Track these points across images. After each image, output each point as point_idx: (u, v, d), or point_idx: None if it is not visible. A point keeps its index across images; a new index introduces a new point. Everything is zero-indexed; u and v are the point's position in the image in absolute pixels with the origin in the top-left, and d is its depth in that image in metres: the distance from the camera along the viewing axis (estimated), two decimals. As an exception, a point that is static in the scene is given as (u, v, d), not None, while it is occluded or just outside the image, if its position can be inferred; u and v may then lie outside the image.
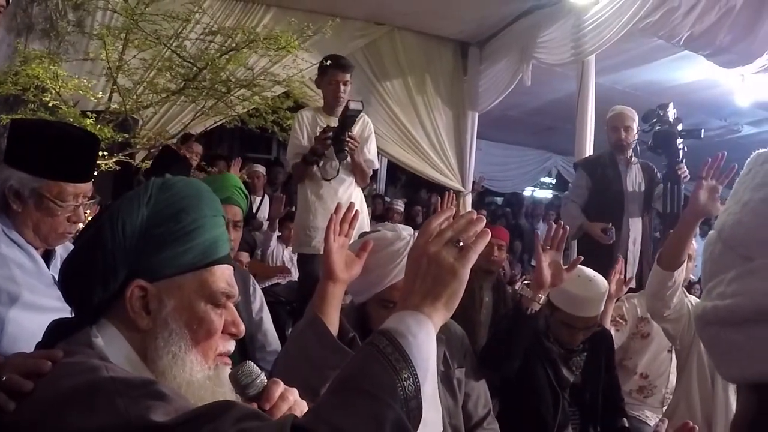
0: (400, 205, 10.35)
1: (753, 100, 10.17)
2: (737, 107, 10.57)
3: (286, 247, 7.75)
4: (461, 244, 1.39)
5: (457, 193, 9.07)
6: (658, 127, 5.64)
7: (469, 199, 9.38)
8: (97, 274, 1.46)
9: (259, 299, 4.05)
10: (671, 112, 5.63)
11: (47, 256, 2.47)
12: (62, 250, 2.55)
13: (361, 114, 5.30)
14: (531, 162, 16.40)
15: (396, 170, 12.65)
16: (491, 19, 8.41)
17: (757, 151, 0.73)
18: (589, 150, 7.30)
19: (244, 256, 6.93)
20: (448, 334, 3.02)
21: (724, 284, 0.69)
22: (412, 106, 8.67)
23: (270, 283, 7.18)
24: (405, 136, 8.63)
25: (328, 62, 5.46)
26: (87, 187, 2.53)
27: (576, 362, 3.68)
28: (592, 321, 3.62)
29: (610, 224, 5.74)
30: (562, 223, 3.35)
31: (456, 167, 9.07)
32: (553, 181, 17.91)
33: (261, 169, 8.66)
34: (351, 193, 5.47)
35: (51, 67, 5.21)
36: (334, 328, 2.32)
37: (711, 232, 0.76)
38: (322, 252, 5.02)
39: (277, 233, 7.82)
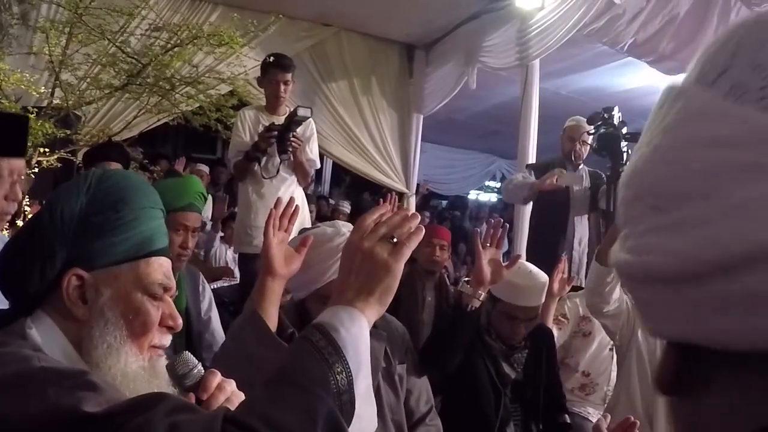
0: (346, 207, 10.34)
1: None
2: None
3: (229, 248, 7.70)
4: (395, 240, 1.41)
5: (401, 195, 9.11)
6: (602, 130, 5.73)
7: (413, 201, 9.39)
8: (35, 262, 1.46)
9: (208, 298, 4.06)
10: (616, 116, 5.74)
11: None
12: None
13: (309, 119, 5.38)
14: (475, 165, 16.54)
15: (340, 171, 12.66)
16: (438, 23, 8.42)
17: (669, 83, 0.71)
18: (531, 153, 7.37)
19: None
20: (388, 330, 3.02)
21: (635, 237, 0.68)
22: (357, 108, 8.67)
23: (214, 286, 7.13)
24: (349, 137, 8.63)
25: (271, 59, 5.50)
26: (21, 164, 2.49)
27: (517, 359, 3.70)
28: (533, 312, 3.66)
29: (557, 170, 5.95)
30: (501, 220, 3.41)
31: (400, 169, 9.09)
32: (498, 185, 18.05)
33: (204, 168, 8.59)
34: (292, 192, 5.43)
35: (-8, 60, 5.13)
36: (273, 323, 2.31)
37: (625, 168, 0.74)
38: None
39: (220, 234, 7.77)
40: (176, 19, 7.17)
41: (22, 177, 2.51)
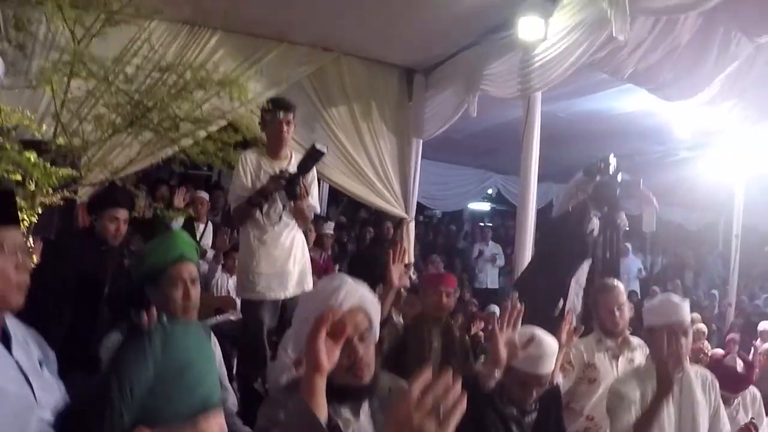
0: (329, 229, 10.42)
1: (692, 130, 10.45)
2: (675, 134, 10.88)
3: (231, 277, 7.72)
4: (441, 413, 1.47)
5: (401, 219, 9.15)
6: (598, 178, 5.89)
7: (412, 226, 9.43)
8: (103, 424, 1.57)
9: (218, 355, 4.06)
10: (612, 165, 5.92)
11: (6, 341, 2.39)
12: (18, 332, 2.48)
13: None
14: (471, 181, 16.66)
15: (337, 190, 12.71)
16: (438, 48, 8.45)
17: None
18: (534, 175, 7.44)
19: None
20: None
21: None
22: (356, 133, 8.69)
23: (215, 320, 7.09)
24: (349, 162, 8.65)
25: (270, 105, 5.60)
26: (16, 234, 2.48)
27: (527, 423, 3.74)
28: (545, 378, 3.71)
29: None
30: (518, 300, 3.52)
31: (399, 194, 9.11)
32: (494, 194, 18.14)
33: (204, 195, 8.62)
34: (294, 237, 5.68)
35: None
36: (323, 417, 2.30)
37: None
38: (267, 298, 5.17)
39: (221, 263, 7.82)
40: (176, 45, 7.28)
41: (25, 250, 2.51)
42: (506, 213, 18.75)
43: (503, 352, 3.30)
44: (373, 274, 4.19)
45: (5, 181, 2.84)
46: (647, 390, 4.01)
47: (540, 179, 7.32)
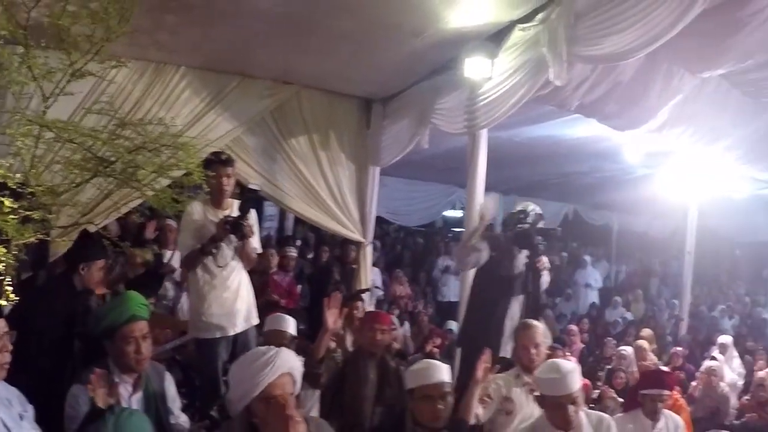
0: (293, 252, 10.65)
1: (644, 153, 10.73)
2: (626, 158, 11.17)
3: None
4: None
5: (359, 243, 9.43)
6: (519, 227, 6.55)
7: (369, 249, 9.71)
8: None
9: (173, 390, 4.70)
10: (532, 214, 6.54)
11: None
12: (2, 391, 2.86)
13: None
14: (436, 196, 16.84)
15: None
16: (394, 81, 8.69)
17: None
18: (479, 201, 7.63)
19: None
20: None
21: None
22: (316, 162, 8.92)
23: (184, 340, 7.34)
24: (309, 191, 8.89)
25: (212, 158, 6.06)
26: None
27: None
28: (442, 388, 4.40)
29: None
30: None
31: (357, 219, 9.39)
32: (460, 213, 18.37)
33: (172, 223, 8.84)
34: (240, 280, 6.24)
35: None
36: None
37: None
38: (217, 336, 5.65)
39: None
40: (143, 82, 7.48)
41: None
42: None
43: None
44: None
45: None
46: None
47: (505, 193, 7.56)
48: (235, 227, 5.89)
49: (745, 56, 6.79)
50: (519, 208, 6.71)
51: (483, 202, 6.91)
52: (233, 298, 6.16)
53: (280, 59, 7.91)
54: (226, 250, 6.09)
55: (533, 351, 5.43)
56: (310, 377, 5.26)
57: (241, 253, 6.19)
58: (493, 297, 6.60)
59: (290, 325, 6.24)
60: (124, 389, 4.25)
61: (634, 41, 5.52)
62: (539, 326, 5.62)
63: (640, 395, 6.16)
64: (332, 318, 5.17)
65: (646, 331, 11.32)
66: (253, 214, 6.24)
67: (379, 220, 15.85)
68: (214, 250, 5.98)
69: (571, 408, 4.39)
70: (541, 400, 4.63)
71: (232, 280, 6.16)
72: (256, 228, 6.34)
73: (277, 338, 5.88)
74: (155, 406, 4.42)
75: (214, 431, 3.89)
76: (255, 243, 6.33)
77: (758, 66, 7.58)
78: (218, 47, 7.45)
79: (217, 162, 6.08)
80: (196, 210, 6.07)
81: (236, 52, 7.65)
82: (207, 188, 6.08)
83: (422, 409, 4.29)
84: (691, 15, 5.12)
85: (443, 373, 4.39)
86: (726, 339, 11.50)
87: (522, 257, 6.66)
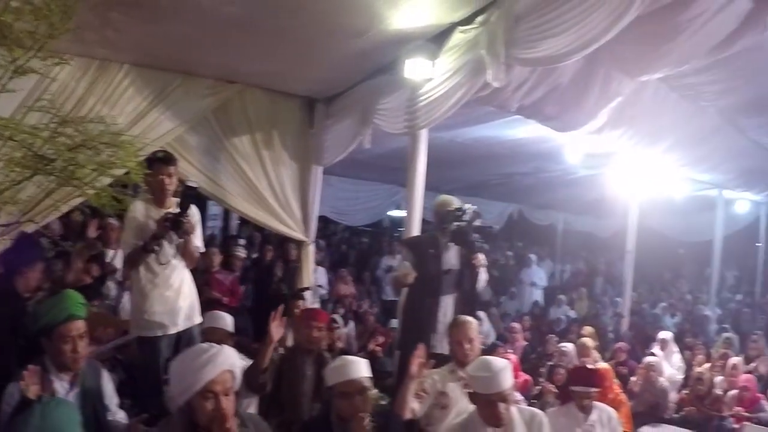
0: (241, 252, 10.66)
1: (582, 155, 10.88)
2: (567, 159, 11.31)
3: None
4: None
5: (301, 242, 9.48)
6: (455, 225, 6.60)
7: (311, 249, 9.73)
8: None
9: (110, 387, 4.83)
10: (469, 212, 6.62)
11: None
12: None
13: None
14: (380, 196, 16.91)
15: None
16: (337, 81, 8.70)
17: None
18: (419, 203, 7.86)
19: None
20: (251, 427, 3.72)
21: None
22: (258, 161, 8.88)
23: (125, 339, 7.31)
24: (251, 190, 8.85)
25: (154, 156, 6.12)
26: None
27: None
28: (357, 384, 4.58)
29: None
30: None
31: (300, 218, 9.38)
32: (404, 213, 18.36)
33: (114, 222, 8.79)
34: (182, 278, 6.25)
35: None
36: None
37: None
38: (159, 334, 5.69)
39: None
40: (86, 79, 7.36)
41: None
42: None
43: None
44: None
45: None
46: None
47: (449, 194, 7.56)
48: (175, 224, 5.90)
49: (682, 60, 6.90)
50: (455, 205, 6.72)
51: (402, 266, 6.93)
52: (175, 296, 6.18)
53: (223, 58, 7.88)
54: (168, 248, 6.10)
55: (467, 346, 5.58)
56: (254, 387, 5.36)
57: (184, 251, 6.21)
58: (422, 295, 6.68)
59: (228, 323, 6.29)
60: (61, 386, 4.33)
61: (571, 44, 5.61)
62: (472, 322, 5.75)
63: (571, 391, 6.34)
64: (276, 331, 5.37)
65: (588, 329, 11.48)
66: (196, 213, 6.28)
67: (327, 220, 15.95)
68: (156, 248, 5.98)
69: (502, 405, 4.50)
70: (473, 397, 4.72)
71: (175, 279, 6.18)
72: (198, 227, 6.37)
73: (215, 335, 5.94)
74: (92, 403, 4.49)
75: (152, 427, 3.95)
76: (197, 242, 6.34)
77: (696, 70, 7.77)
78: (162, 45, 7.38)
79: (159, 161, 6.11)
80: (139, 209, 6.09)
81: (180, 51, 7.58)
82: (145, 187, 6.12)
83: (342, 405, 4.44)
84: (626, 20, 5.23)
85: (360, 369, 4.54)
86: (666, 335, 11.69)
87: (452, 254, 6.76)
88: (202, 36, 7.15)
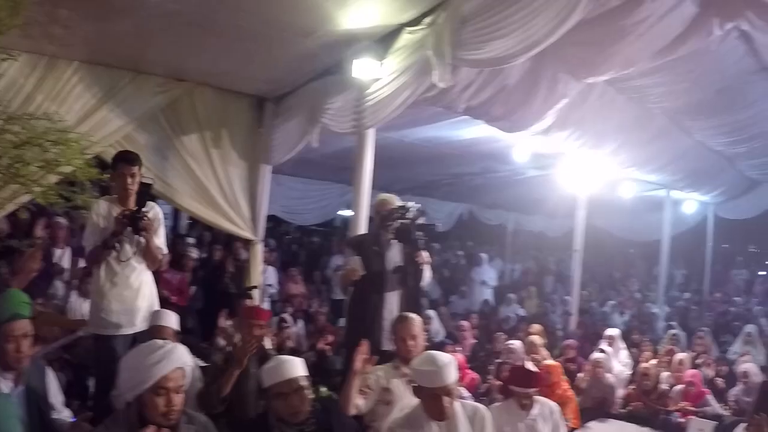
0: (193, 252, 10.65)
1: (530, 155, 10.99)
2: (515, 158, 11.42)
3: (85, 301, 7.87)
4: None
5: (249, 241, 9.51)
6: (398, 223, 6.68)
7: (260, 247, 9.70)
8: None
9: (54, 386, 4.84)
10: (413, 210, 6.70)
11: None
12: None
13: (152, 204, 6.12)
14: (330, 195, 16.87)
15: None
16: (286, 80, 8.72)
17: None
18: (366, 201, 7.93)
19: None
20: (198, 426, 3.83)
21: None
22: (207, 160, 8.85)
23: (73, 338, 7.28)
24: (200, 189, 8.82)
25: (118, 156, 6.16)
26: None
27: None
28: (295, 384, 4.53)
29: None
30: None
31: (248, 217, 9.37)
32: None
33: (62, 221, 8.73)
34: (142, 280, 6.25)
35: None
36: None
37: None
38: (117, 333, 5.71)
39: (76, 290, 8.00)
40: (35, 75, 7.26)
41: None
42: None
43: None
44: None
45: None
46: None
47: (399, 193, 7.63)
48: (132, 220, 5.88)
49: (628, 63, 7.03)
50: (399, 203, 6.78)
51: (350, 262, 6.98)
52: (134, 296, 6.18)
53: (173, 56, 7.87)
54: (128, 247, 6.09)
55: (411, 343, 5.63)
56: (208, 410, 5.30)
57: (145, 252, 6.18)
58: (368, 292, 6.73)
59: (172, 321, 6.28)
60: (5, 385, 4.33)
61: (516, 46, 5.72)
62: (416, 318, 5.80)
63: (510, 388, 6.45)
64: (244, 356, 5.58)
65: (536, 327, 11.56)
66: (158, 213, 6.31)
67: (279, 220, 15.93)
68: (116, 245, 5.99)
69: (446, 399, 4.57)
70: (417, 391, 4.78)
71: (134, 279, 6.17)
72: (161, 228, 6.37)
73: (160, 334, 5.91)
74: (36, 401, 4.51)
75: (97, 425, 3.93)
76: (159, 242, 6.30)
77: (641, 73, 7.92)
78: (112, 42, 7.35)
79: (123, 160, 6.13)
80: (102, 208, 6.09)
81: (130, 48, 7.55)
82: (91, 187, 6.12)
83: (278, 406, 4.42)
84: (570, 22, 5.34)
85: (296, 368, 4.52)
86: (613, 332, 11.86)
87: (396, 252, 6.83)
88: (151, 33, 7.14)
